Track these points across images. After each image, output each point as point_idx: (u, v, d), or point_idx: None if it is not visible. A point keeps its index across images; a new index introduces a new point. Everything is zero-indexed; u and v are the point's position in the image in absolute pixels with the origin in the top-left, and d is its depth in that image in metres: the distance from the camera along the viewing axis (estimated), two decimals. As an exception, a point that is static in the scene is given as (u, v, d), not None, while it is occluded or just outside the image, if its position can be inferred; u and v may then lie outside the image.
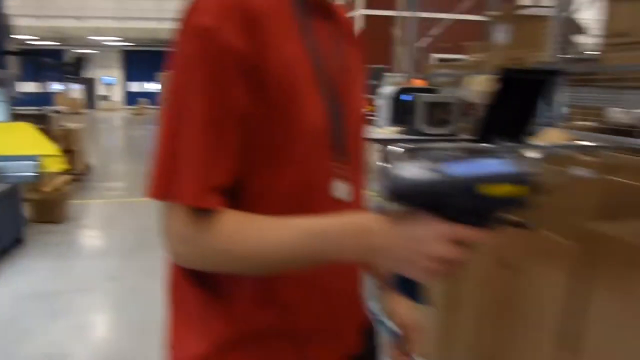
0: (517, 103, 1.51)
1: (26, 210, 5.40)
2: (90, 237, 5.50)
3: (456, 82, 5.46)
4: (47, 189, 5.72)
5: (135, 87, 30.90)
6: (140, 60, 30.32)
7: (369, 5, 17.57)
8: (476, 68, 4.93)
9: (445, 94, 5.27)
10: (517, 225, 0.75)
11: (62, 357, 2.99)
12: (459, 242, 0.66)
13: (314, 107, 0.80)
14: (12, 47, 5.22)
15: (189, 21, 0.73)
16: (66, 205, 5.95)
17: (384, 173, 0.65)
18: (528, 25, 4.39)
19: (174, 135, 0.73)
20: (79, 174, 8.03)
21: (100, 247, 5.27)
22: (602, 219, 0.97)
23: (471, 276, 1.22)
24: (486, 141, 1.48)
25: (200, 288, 0.84)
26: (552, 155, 1.73)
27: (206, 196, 0.72)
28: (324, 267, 0.81)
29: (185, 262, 0.79)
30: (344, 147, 0.84)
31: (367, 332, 1.02)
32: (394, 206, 0.66)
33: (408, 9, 5.99)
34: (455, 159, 0.62)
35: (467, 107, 5.75)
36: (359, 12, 18.34)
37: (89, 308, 3.70)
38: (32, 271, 4.30)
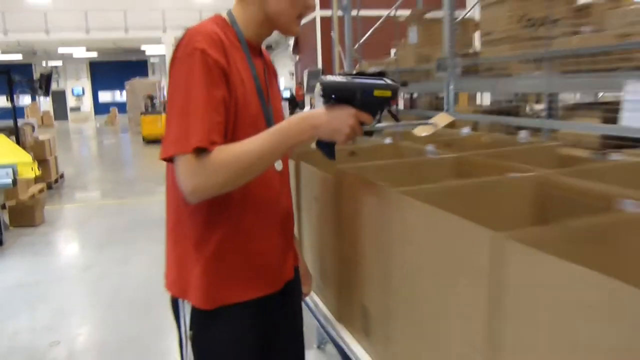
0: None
1: (5, 216, 5.98)
2: (64, 236, 6.09)
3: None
4: (24, 196, 6.30)
5: (105, 96, 31.17)
6: (108, 70, 30.62)
7: (324, 6, 18.26)
8: (396, 65, 5.63)
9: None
10: (391, 114, 1.26)
11: (45, 330, 3.60)
12: (360, 121, 1.19)
13: (254, 105, 1.28)
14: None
15: (190, 44, 1.18)
16: (41, 210, 6.53)
17: (320, 80, 1.18)
18: (431, 27, 5.11)
19: (184, 113, 1.14)
20: (53, 182, 8.58)
21: (74, 244, 5.87)
22: (362, 162, 1.65)
23: (311, 213, 1.91)
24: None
25: (188, 234, 1.30)
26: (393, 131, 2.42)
27: (206, 143, 1.13)
28: (271, 216, 1.35)
29: (201, 191, 1.16)
30: None
31: (296, 267, 1.53)
32: (325, 101, 1.19)
33: (343, 9, 6.64)
34: (359, 76, 1.22)
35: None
36: (317, 14, 19.02)
37: (66, 292, 4.33)
38: (13, 267, 4.90)
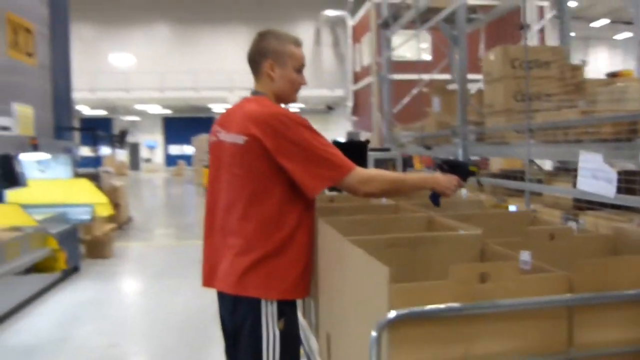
0: (349, 157, 2.82)
1: (82, 248, 6.99)
2: (129, 268, 7.03)
3: (416, 141, 6.89)
4: (98, 232, 7.33)
5: (175, 150, 33.43)
6: (178, 125, 32.99)
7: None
8: (422, 130, 6.34)
9: (392, 152, 6.71)
10: (478, 183, 2.08)
11: (106, 335, 4.39)
12: (459, 184, 1.94)
13: None
14: (75, 123, 6.96)
15: (291, 117, 1.79)
16: (112, 246, 7.53)
17: (438, 159, 2.25)
18: (451, 97, 5.81)
19: (328, 153, 1.77)
20: (123, 223, 9.68)
21: (135, 274, 6.78)
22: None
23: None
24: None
25: (282, 248, 1.82)
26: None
27: (351, 164, 1.80)
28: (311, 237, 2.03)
29: (369, 191, 1.82)
30: None
31: None
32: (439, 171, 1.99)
33: (380, 78, 7.49)
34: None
35: (406, 161, 7.15)
36: (374, 79, 20.14)
37: (125, 310, 5.16)
38: (86, 288, 5.82)
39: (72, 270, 6.25)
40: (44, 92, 5.92)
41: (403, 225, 1.91)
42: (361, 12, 22.26)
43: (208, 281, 2.00)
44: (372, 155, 5.78)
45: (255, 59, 2.00)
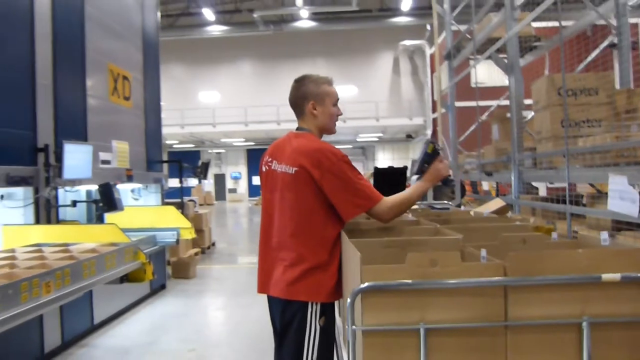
0: (389, 182, 3.20)
1: (168, 269, 7.76)
2: (209, 287, 7.70)
3: (479, 167, 7.11)
4: (183, 255, 8.09)
5: (258, 180, 34.85)
6: (261, 157, 34.42)
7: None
8: (483, 157, 6.56)
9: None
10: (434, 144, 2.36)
11: (186, 341, 4.99)
12: (441, 162, 2.28)
13: None
14: (164, 157, 7.82)
15: (337, 154, 2.20)
16: (195, 267, 8.26)
17: (414, 177, 2.48)
18: (509, 125, 6.02)
19: (361, 185, 2.16)
20: (206, 248, 10.48)
21: (215, 292, 7.43)
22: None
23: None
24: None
25: (325, 261, 2.22)
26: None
27: (380, 196, 2.20)
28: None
29: (393, 215, 2.20)
30: None
31: None
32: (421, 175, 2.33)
33: (446, 108, 7.78)
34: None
35: (464, 186, 7.33)
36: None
37: (205, 321, 5.76)
38: (171, 303, 6.51)
39: (159, 288, 7.00)
40: (138, 129, 6.78)
41: (413, 234, 2.29)
42: (437, 42, 22.53)
43: (262, 288, 2.42)
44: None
45: (298, 103, 2.42)
